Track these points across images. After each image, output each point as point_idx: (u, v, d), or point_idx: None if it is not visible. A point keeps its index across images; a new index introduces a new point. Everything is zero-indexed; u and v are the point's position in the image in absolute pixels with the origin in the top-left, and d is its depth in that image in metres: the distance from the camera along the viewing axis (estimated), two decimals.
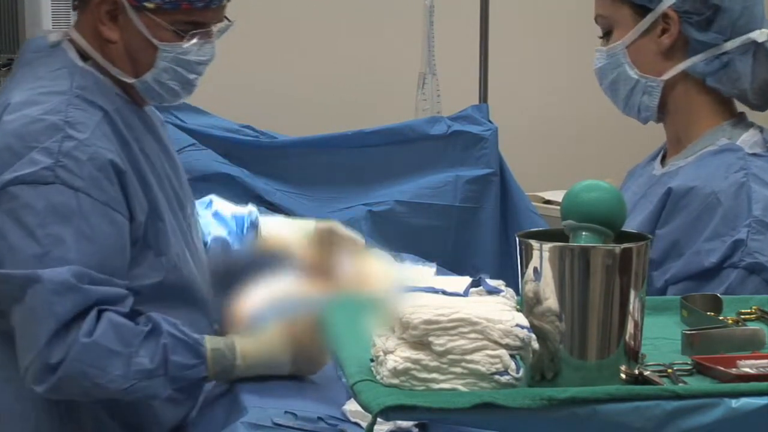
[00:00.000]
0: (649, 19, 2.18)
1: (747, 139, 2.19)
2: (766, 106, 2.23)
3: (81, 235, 2.03)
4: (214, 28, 2.22)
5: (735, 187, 2.08)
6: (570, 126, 5.02)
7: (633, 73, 2.20)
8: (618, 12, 2.20)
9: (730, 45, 2.16)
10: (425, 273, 1.51)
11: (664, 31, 2.18)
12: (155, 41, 2.16)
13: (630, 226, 2.05)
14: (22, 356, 2.02)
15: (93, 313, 2.02)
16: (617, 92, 2.24)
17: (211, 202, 2.49)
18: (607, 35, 2.24)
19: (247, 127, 3.45)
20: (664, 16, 2.17)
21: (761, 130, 2.22)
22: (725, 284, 2.03)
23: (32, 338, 2.00)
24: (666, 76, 2.19)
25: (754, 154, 2.15)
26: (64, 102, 2.10)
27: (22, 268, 2.01)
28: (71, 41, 2.21)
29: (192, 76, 2.22)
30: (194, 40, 2.18)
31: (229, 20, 2.24)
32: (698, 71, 2.18)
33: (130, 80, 2.20)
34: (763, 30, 2.16)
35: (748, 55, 2.16)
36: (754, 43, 2.16)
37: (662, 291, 2.08)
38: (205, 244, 2.40)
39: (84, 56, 2.20)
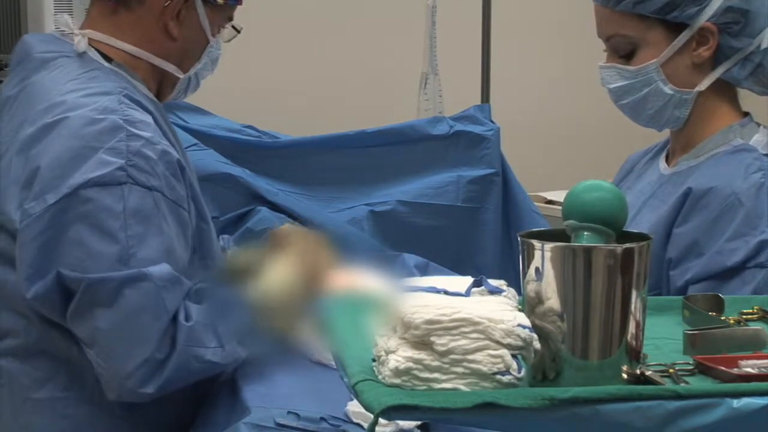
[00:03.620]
0: (686, 35, 2.17)
1: (760, 140, 2.20)
2: None
3: (161, 234, 2.00)
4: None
5: (755, 188, 2.10)
6: (572, 126, 5.03)
7: (668, 89, 2.19)
8: (648, 32, 2.18)
9: (754, 45, 2.17)
10: (463, 282, 1.52)
11: (699, 44, 2.17)
12: (209, 36, 2.20)
13: (642, 225, 2.06)
14: (120, 363, 1.96)
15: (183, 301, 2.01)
16: (643, 108, 2.21)
17: None
18: (627, 55, 2.21)
19: (250, 127, 3.45)
20: (701, 29, 2.16)
21: None
22: (752, 284, 2.04)
23: (139, 340, 1.95)
24: (701, 87, 2.19)
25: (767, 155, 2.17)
26: (115, 101, 2.05)
27: (107, 272, 1.95)
28: (93, 44, 2.17)
29: (210, 72, 2.29)
30: (227, 36, 2.26)
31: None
32: (733, 77, 2.19)
33: (181, 75, 2.21)
34: None
35: None
36: None
37: (682, 291, 2.09)
38: None
39: (106, 57, 2.17)
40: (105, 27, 2.18)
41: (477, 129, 3.38)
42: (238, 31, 2.29)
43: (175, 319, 1.98)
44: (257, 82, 4.50)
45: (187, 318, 1.98)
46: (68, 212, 1.98)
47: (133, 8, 2.16)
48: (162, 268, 1.97)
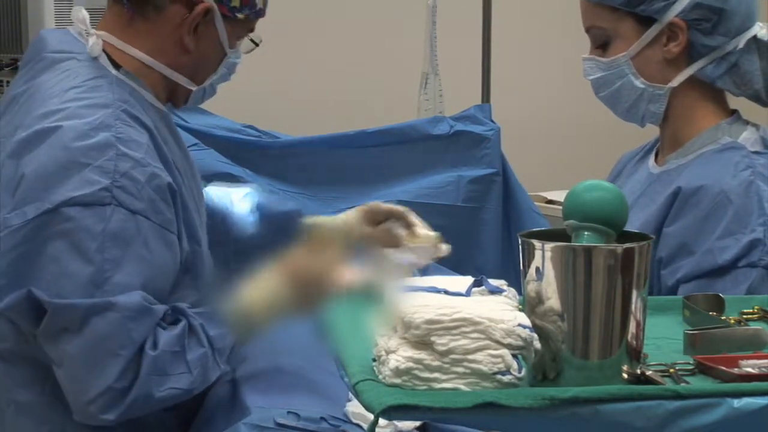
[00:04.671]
0: (655, 29, 2.18)
1: (748, 138, 2.20)
2: None
3: (141, 259, 1.96)
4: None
5: (744, 186, 2.09)
6: (572, 126, 5.03)
7: (639, 83, 2.20)
8: (619, 24, 2.19)
9: (732, 45, 2.17)
10: (463, 282, 1.52)
11: (669, 40, 2.18)
12: (227, 49, 2.19)
13: (632, 225, 2.06)
14: (83, 388, 1.94)
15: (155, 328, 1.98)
16: (618, 101, 2.24)
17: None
18: (602, 46, 2.23)
19: (250, 127, 3.45)
20: (670, 25, 2.17)
21: (757, 128, 2.23)
22: (745, 284, 2.04)
23: (102, 369, 1.92)
24: (674, 83, 2.20)
25: (756, 152, 2.16)
26: (112, 116, 2.01)
27: (79, 295, 1.92)
28: (105, 47, 2.14)
29: (227, 80, 2.27)
30: (244, 46, 2.25)
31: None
32: (707, 75, 2.18)
33: (193, 87, 2.20)
34: (761, 24, 2.17)
35: (753, 54, 2.17)
36: (755, 39, 2.16)
37: (673, 290, 2.09)
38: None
39: (115, 64, 2.13)
40: (120, 32, 2.15)
41: (477, 129, 3.38)
42: (257, 44, 2.28)
43: (141, 348, 1.94)
44: (257, 82, 4.50)
45: (155, 346, 1.95)
46: (48, 228, 1.94)
47: (150, 18, 2.13)
48: (131, 298, 1.93)
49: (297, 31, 4.65)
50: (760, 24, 2.18)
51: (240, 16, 2.17)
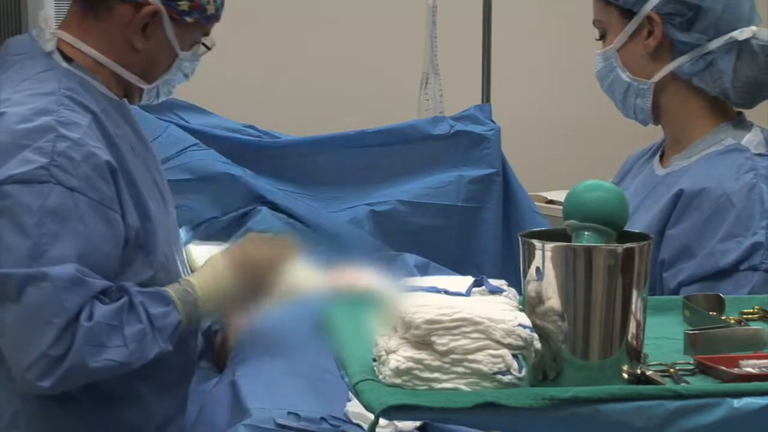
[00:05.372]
0: (635, 22, 2.19)
1: (751, 140, 2.20)
2: (749, 105, 2.23)
3: (77, 234, 2.04)
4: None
5: (747, 189, 2.09)
6: (572, 126, 5.02)
7: (625, 77, 2.22)
8: (609, 16, 2.22)
9: (714, 45, 2.17)
10: (463, 282, 1.52)
11: (649, 34, 2.19)
12: (178, 50, 2.24)
13: (635, 226, 2.06)
14: (19, 356, 2.02)
15: (91, 301, 2.05)
16: (613, 94, 2.27)
17: None
18: (602, 39, 2.26)
19: (250, 127, 3.45)
20: (649, 18, 2.18)
21: (762, 130, 2.23)
22: (747, 287, 2.03)
23: (36, 336, 2.01)
24: (655, 78, 2.21)
25: (759, 155, 2.16)
26: (55, 102, 2.11)
27: (17, 267, 2.01)
28: (59, 43, 2.23)
29: (184, 81, 2.32)
30: (201, 49, 2.28)
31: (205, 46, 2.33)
32: (684, 72, 2.19)
33: (144, 86, 2.26)
34: (743, 29, 2.17)
35: (732, 54, 2.17)
36: (738, 41, 2.17)
37: (675, 292, 2.08)
38: None
39: (67, 58, 2.22)
40: (74, 30, 2.24)
41: (477, 129, 3.39)
42: (209, 48, 2.33)
43: (77, 318, 2.02)
44: (258, 82, 4.50)
45: (90, 318, 2.03)
46: None
47: (101, 18, 2.22)
48: (64, 269, 2.01)
49: (297, 31, 4.65)
50: (746, 29, 2.18)
51: (189, 20, 2.23)
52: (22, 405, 2.11)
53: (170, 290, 2.11)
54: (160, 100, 2.36)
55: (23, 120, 2.07)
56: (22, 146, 2.05)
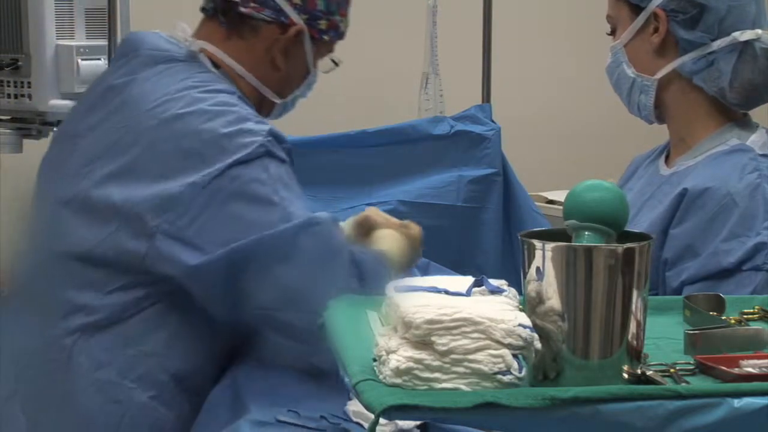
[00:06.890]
0: (642, 17, 2.20)
1: (756, 140, 2.20)
2: (746, 107, 2.23)
3: (300, 197, 2.15)
4: None
5: (750, 189, 2.10)
6: (573, 126, 5.02)
7: (630, 72, 2.23)
8: (619, 11, 2.23)
9: (717, 45, 2.18)
10: (463, 282, 1.52)
11: (655, 30, 2.19)
12: (312, 68, 2.36)
13: (640, 226, 2.07)
14: (322, 298, 1.95)
15: None
16: (620, 90, 2.28)
17: None
18: (613, 34, 2.27)
19: None
20: (655, 15, 2.19)
21: (767, 131, 2.23)
22: (749, 287, 2.04)
23: (333, 273, 2.07)
24: (658, 75, 2.21)
25: (764, 155, 2.17)
26: (232, 97, 2.20)
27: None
28: (206, 53, 2.29)
29: (306, 96, 2.47)
30: (329, 65, 2.44)
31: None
32: (686, 70, 2.19)
33: (278, 100, 2.38)
34: (745, 30, 2.17)
35: (733, 55, 2.17)
36: (741, 42, 2.17)
37: (678, 291, 2.09)
38: None
39: (214, 65, 2.29)
40: (218, 44, 2.31)
41: (478, 129, 3.38)
42: (337, 64, 2.45)
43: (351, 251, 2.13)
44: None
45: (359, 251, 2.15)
46: (220, 192, 2.09)
47: (245, 37, 2.30)
48: (324, 213, 2.14)
49: None
50: (748, 31, 2.18)
51: (326, 38, 2.35)
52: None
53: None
54: (284, 115, 2.45)
55: (217, 114, 2.14)
56: (230, 136, 2.12)
